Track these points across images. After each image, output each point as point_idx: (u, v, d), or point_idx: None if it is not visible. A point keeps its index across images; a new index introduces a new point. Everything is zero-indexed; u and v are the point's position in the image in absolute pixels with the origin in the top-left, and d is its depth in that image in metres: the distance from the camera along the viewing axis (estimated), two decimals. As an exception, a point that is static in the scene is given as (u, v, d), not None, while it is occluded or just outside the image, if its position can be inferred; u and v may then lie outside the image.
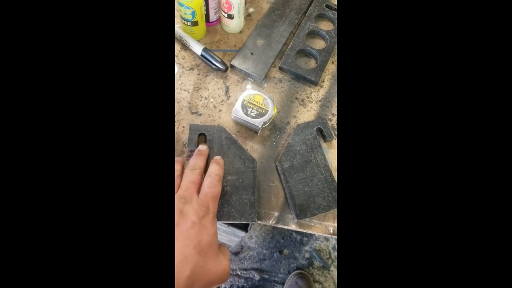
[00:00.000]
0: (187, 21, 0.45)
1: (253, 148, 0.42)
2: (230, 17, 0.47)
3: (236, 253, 1.05)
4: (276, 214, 0.38)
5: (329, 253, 1.07)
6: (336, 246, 1.08)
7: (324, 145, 0.43)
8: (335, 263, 1.05)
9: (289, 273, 1.02)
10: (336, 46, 0.51)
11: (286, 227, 0.38)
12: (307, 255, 1.06)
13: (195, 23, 0.45)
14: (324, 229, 0.38)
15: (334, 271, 1.04)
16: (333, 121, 0.45)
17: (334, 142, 0.44)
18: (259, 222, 0.37)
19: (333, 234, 0.38)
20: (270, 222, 0.37)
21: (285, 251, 1.06)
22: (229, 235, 0.57)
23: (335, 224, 0.38)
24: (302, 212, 0.37)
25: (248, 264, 1.04)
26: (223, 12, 0.47)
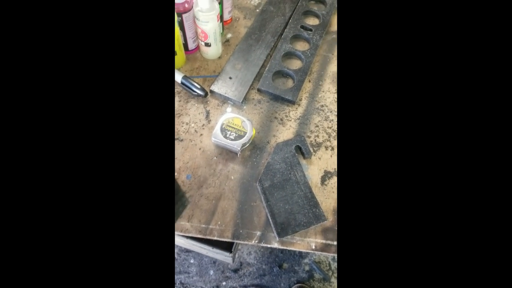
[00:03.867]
0: (167, 52, 0.47)
1: (234, 169, 0.43)
2: (208, 45, 0.49)
3: (235, 270, 1.04)
4: (259, 233, 0.39)
5: (329, 265, 1.06)
6: (335, 257, 1.07)
7: (303, 162, 0.45)
8: (336, 275, 1.04)
9: (290, 287, 1.01)
10: (311, 66, 0.53)
11: (268, 245, 0.38)
12: (307, 268, 1.05)
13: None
14: (307, 245, 0.39)
15: (335, 283, 1.03)
16: (311, 137, 0.47)
17: (314, 158, 0.45)
18: (241, 242, 0.38)
19: (315, 250, 0.39)
20: (253, 242, 0.38)
21: (285, 265, 1.06)
22: (219, 255, 0.57)
23: (317, 240, 0.39)
24: (284, 230, 0.38)
25: (248, 280, 1.03)
26: (200, 41, 0.49)
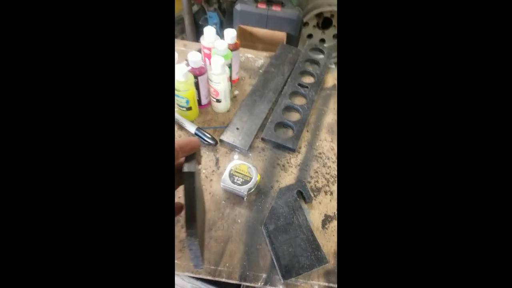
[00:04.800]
0: (182, 107, 0.54)
1: (241, 213, 0.46)
2: (218, 101, 0.57)
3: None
4: (264, 275, 0.41)
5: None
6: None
7: (305, 206, 0.48)
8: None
9: None
10: (309, 118, 0.60)
11: (274, 288, 0.40)
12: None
13: (189, 108, 0.54)
14: (310, 288, 0.40)
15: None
16: (311, 183, 0.51)
17: (314, 202, 0.49)
18: (247, 284, 0.40)
19: (319, 293, 0.40)
20: (259, 284, 0.40)
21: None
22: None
23: (320, 283, 0.41)
24: (288, 272, 0.40)
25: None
26: (212, 98, 0.57)
